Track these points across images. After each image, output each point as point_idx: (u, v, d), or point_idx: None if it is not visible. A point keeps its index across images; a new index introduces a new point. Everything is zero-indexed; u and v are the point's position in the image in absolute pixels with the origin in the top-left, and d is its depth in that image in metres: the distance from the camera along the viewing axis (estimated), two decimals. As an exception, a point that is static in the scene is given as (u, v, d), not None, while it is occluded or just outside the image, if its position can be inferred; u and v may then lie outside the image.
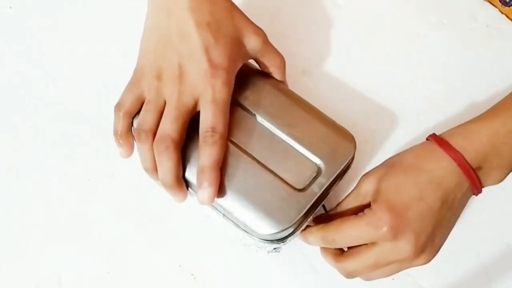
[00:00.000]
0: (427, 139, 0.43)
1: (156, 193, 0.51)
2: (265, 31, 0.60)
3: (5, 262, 0.48)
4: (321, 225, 0.42)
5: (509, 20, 0.62)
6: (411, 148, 0.43)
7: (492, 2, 0.62)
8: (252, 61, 0.48)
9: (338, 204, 0.44)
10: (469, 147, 0.40)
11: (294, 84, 0.56)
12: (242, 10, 0.61)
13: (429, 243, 0.39)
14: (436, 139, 0.41)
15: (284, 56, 0.60)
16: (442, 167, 0.39)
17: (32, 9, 0.61)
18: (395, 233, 0.38)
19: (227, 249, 0.48)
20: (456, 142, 0.40)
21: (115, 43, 0.59)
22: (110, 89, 0.56)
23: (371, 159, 0.53)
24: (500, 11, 0.62)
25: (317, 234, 0.42)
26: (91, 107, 0.55)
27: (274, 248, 0.44)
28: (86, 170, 0.52)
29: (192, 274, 0.48)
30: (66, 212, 0.50)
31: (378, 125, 0.55)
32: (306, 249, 0.49)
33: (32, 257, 0.48)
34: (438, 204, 0.39)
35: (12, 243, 0.48)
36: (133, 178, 0.51)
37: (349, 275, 0.42)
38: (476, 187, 0.40)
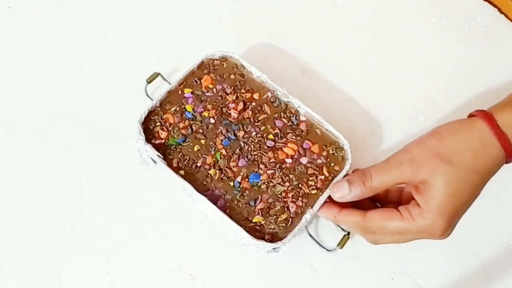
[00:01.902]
0: (472, 115, 0.41)
1: (156, 193, 0.51)
2: (265, 32, 0.60)
3: (5, 262, 0.48)
4: (358, 215, 0.42)
5: (508, 20, 0.62)
6: (464, 136, 0.40)
7: (493, 1, 0.62)
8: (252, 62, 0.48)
9: (364, 175, 0.42)
10: None
11: (294, 84, 0.56)
12: (243, 11, 0.62)
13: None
14: (495, 130, 0.39)
15: (284, 56, 0.60)
16: (496, 163, 0.40)
17: (31, 9, 0.61)
18: (443, 234, 0.39)
19: (226, 249, 0.49)
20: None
21: (115, 43, 0.59)
22: (110, 89, 0.56)
23: (371, 158, 0.53)
24: (499, 11, 0.62)
25: (354, 225, 0.43)
26: (91, 107, 0.55)
27: (273, 248, 0.44)
28: (85, 171, 0.52)
29: (191, 274, 0.48)
30: (66, 212, 0.50)
31: (377, 125, 0.55)
32: (306, 249, 0.49)
33: (32, 257, 0.48)
34: (479, 193, 0.40)
35: (12, 243, 0.48)
36: (132, 178, 0.51)
37: (378, 244, 0.43)
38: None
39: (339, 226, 0.48)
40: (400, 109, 0.56)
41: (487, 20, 0.62)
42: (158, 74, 0.54)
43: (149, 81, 0.54)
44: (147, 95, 0.53)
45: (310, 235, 0.48)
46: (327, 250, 0.48)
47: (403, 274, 0.49)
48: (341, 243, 0.47)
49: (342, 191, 0.43)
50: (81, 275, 0.47)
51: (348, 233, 0.48)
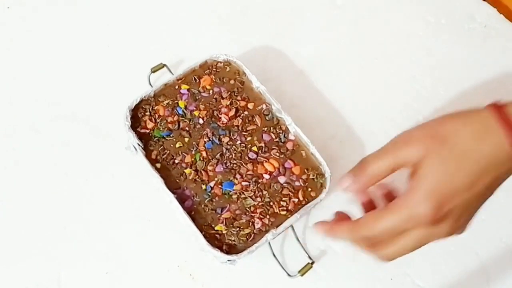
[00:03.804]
0: (487, 107, 0.37)
1: (155, 193, 0.51)
2: (265, 32, 0.60)
3: (5, 262, 0.48)
4: (350, 227, 0.39)
5: (508, 20, 0.62)
6: (467, 118, 0.37)
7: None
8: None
9: (362, 164, 0.39)
10: None
11: (293, 84, 0.56)
12: (243, 11, 0.62)
13: (465, 223, 0.38)
14: (501, 117, 0.36)
15: (283, 56, 0.60)
16: (501, 153, 0.36)
17: (30, 9, 0.61)
18: (437, 222, 0.36)
19: (226, 249, 0.49)
20: None
21: (115, 44, 0.59)
22: (109, 89, 0.56)
23: (370, 159, 0.53)
24: (498, 11, 0.62)
25: (349, 233, 0.40)
26: (90, 107, 0.55)
27: (228, 260, 0.43)
28: (85, 171, 0.52)
29: (190, 275, 0.48)
30: (66, 212, 0.50)
31: (377, 125, 0.55)
32: (305, 249, 0.49)
33: (32, 257, 0.48)
34: (485, 190, 0.37)
35: (12, 243, 0.48)
36: (131, 178, 0.51)
37: (389, 259, 0.40)
38: None
39: (306, 253, 0.47)
40: (400, 109, 0.56)
41: (486, 20, 0.62)
42: (164, 65, 0.54)
43: (154, 70, 0.53)
44: (150, 84, 0.53)
45: (274, 256, 0.47)
46: (288, 274, 0.46)
47: (403, 274, 0.49)
48: (302, 271, 0.46)
49: (345, 181, 0.41)
50: (80, 275, 0.47)
51: (312, 262, 0.47)
